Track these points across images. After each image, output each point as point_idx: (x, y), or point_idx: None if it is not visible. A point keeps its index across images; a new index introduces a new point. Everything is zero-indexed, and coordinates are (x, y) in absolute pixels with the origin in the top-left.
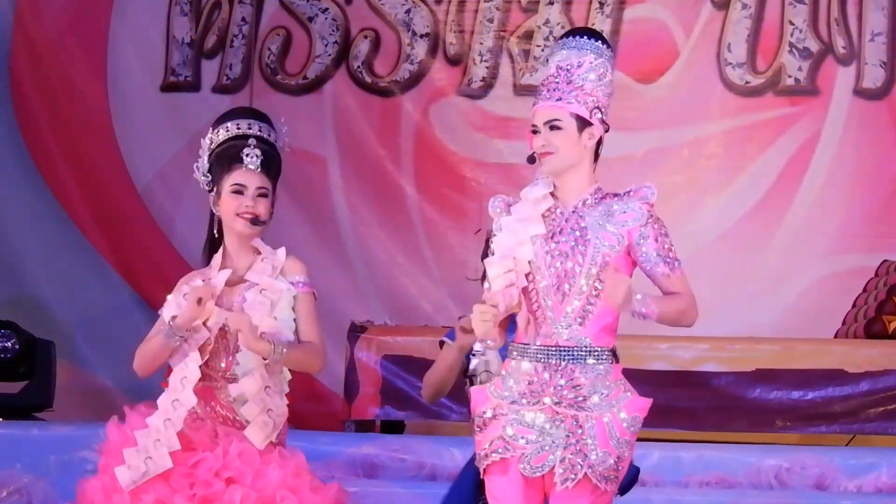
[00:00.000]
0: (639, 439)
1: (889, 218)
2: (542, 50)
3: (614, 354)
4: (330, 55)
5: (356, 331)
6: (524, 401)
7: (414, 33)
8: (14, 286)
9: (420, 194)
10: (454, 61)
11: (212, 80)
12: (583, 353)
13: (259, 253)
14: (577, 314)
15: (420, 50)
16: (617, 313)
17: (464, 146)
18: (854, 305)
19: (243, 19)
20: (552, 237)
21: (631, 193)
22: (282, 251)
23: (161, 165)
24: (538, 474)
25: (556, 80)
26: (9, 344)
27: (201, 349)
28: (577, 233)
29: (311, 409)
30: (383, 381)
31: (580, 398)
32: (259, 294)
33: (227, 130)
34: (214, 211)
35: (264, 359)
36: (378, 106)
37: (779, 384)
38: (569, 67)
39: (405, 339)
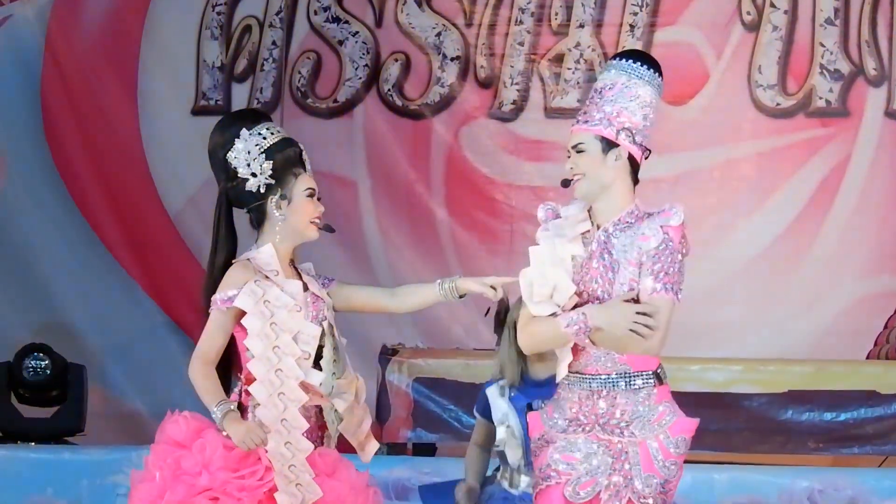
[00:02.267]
0: None
1: None
2: (573, 73)
3: (657, 376)
4: (360, 78)
5: (387, 353)
6: (571, 428)
7: (444, 56)
8: (46, 311)
9: (451, 217)
10: (485, 84)
11: (242, 104)
12: (623, 379)
13: (295, 268)
14: None
15: (450, 73)
16: None
17: (494, 169)
18: (886, 327)
19: (273, 43)
20: (583, 262)
21: (657, 214)
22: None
23: (192, 189)
24: (584, 500)
25: (589, 103)
26: (42, 364)
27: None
28: (606, 257)
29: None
30: (415, 403)
31: (623, 423)
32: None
33: (272, 133)
34: (277, 213)
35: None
36: (408, 129)
37: (811, 406)
38: (601, 90)
39: (436, 362)
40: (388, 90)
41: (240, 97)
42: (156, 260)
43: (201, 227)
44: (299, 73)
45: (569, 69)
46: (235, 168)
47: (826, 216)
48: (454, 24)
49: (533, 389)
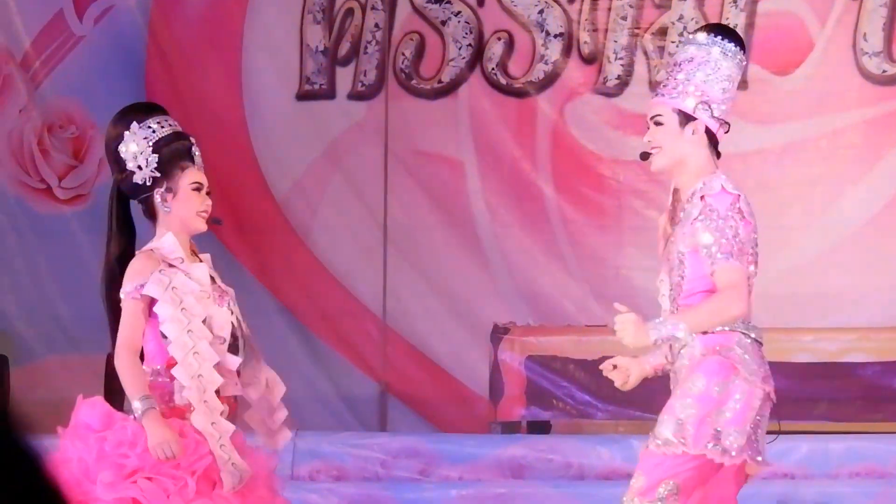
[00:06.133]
0: (785, 432)
1: None
2: (677, 46)
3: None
4: (464, 58)
5: (499, 332)
6: None
7: (547, 33)
8: None
9: (558, 194)
10: (589, 60)
11: (347, 88)
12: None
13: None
14: (670, 313)
15: (554, 50)
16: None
17: (600, 144)
18: None
19: (376, 25)
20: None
21: (701, 187)
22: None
23: (298, 173)
24: None
25: (668, 76)
26: None
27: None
28: (672, 234)
29: (456, 412)
30: (528, 381)
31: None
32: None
33: (162, 126)
34: (163, 206)
35: None
36: (513, 107)
37: None
38: (681, 63)
39: (548, 339)
40: (492, 69)
41: (344, 81)
42: (264, 245)
43: (308, 211)
44: (403, 54)
45: (672, 42)
46: (125, 160)
47: None
48: (556, 1)
49: None
